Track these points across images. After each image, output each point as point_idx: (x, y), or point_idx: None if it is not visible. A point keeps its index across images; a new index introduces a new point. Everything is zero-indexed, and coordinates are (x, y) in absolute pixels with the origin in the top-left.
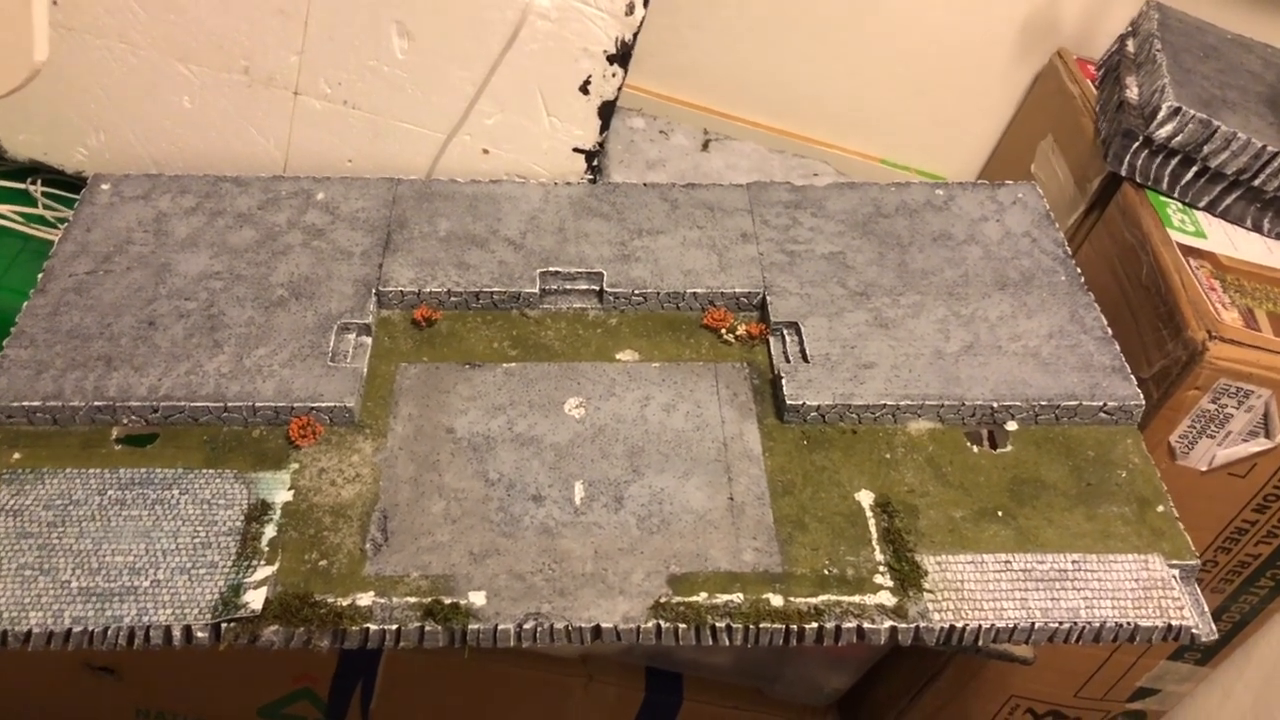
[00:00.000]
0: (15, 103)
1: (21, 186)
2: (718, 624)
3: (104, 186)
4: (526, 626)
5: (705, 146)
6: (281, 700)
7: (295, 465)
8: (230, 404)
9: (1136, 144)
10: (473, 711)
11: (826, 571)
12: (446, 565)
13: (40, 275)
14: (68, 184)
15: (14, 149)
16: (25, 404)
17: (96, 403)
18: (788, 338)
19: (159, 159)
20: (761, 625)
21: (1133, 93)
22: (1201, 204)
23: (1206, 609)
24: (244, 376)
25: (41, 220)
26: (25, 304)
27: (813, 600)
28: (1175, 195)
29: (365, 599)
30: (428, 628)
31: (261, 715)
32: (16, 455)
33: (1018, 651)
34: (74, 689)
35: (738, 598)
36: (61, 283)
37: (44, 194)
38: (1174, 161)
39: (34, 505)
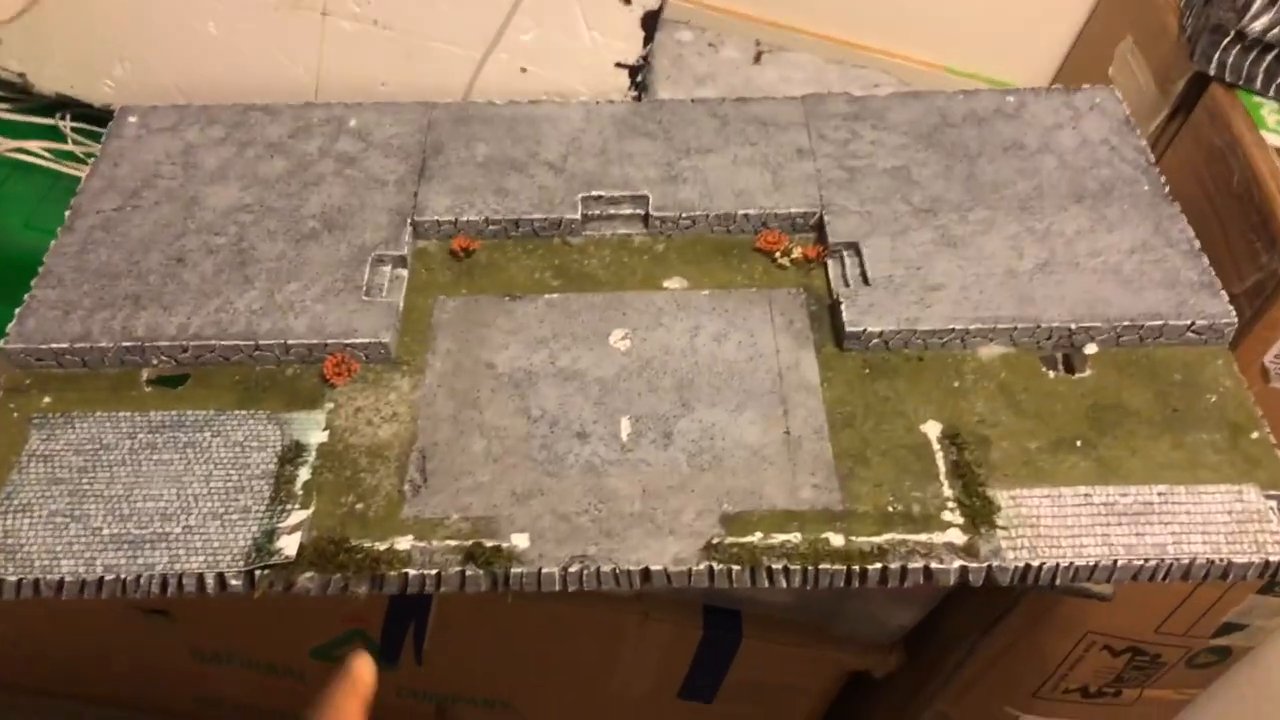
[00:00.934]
0: (39, 34)
1: (51, 122)
2: (774, 565)
3: (131, 119)
4: (572, 570)
5: (757, 59)
6: (334, 641)
7: (330, 405)
8: (262, 342)
9: (1228, 39)
10: (526, 650)
11: (891, 508)
12: (488, 506)
13: (67, 213)
14: (96, 118)
15: (40, 83)
16: (54, 346)
17: (125, 343)
18: (847, 260)
19: (186, 88)
20: (821, 566)
21: None
22: None
23: None
24: (276, 313)
25: (71, 156)
26: (52, 243)
27: (876, 539)
28: (1271, 95)
29: (404, 543)
30: (469, 572)
31: (314, 656)
32: (47, 399)
33: (1096, 588)
34: (128, 631)
35: (795, 537)
36: (89, 220)
37: (73, 129)
38: (1270, 57)
39: (64, 450)
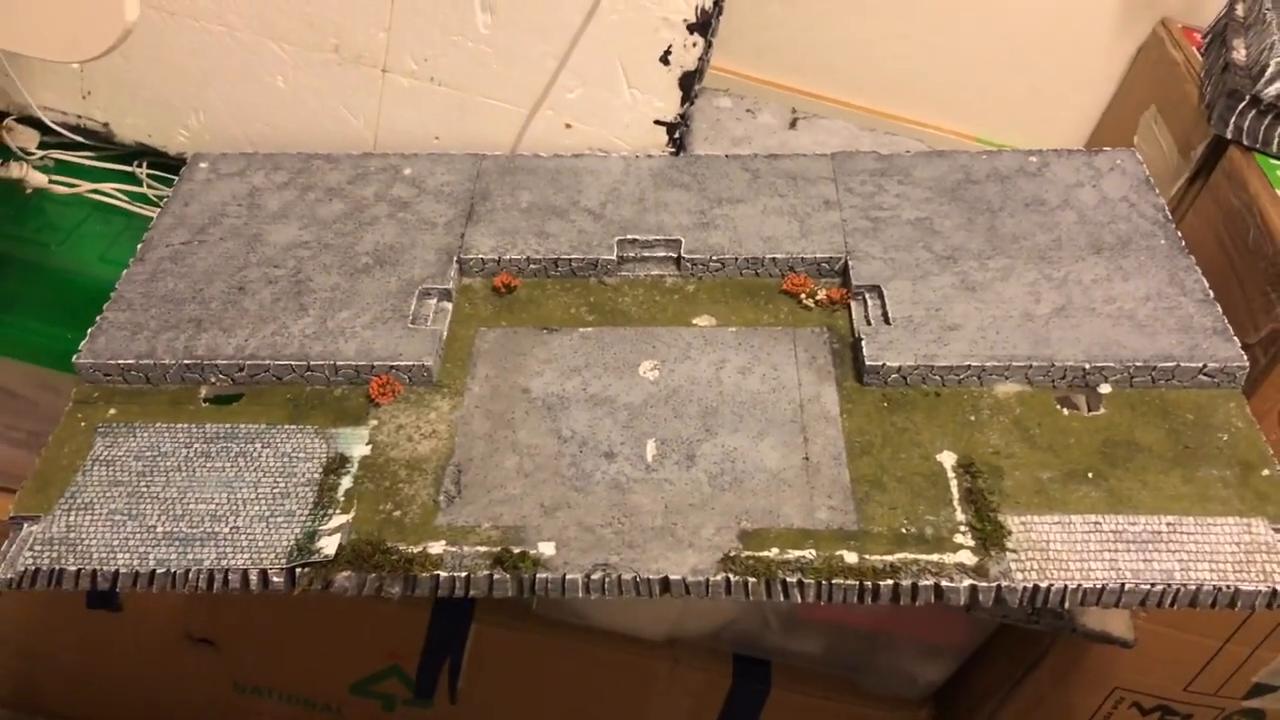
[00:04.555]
0: (122, 87)
1: (129, 169)
2: (789, 579)
3: (202, 165)
4: (594, 577)
5: (793, 125)
6: (372, 677)
7: (374, 422)
8: (313, 363)
9: (1243, 104)
10: (558, 692)
11: (904, 530)
12: (517, 517)
13: (140, 246)
14: (171, 166)
15: (122, 133)
16: (120, 362)
17: (186, 361)
18: (869, 301)
19: (255, 139)
20: (835, 581)
21: (1240, 54)
22: None
23: None
24: (327, 337)
25: (145, 199)
26: (124, 272)
27: (889, 558)
28: None
29: (436, 547)
30: (496, 576)
31: (353, 691)
32: (111, 411)
33: (1116, 631)
34: (174, 660)
35: (810, 554)
36: (159, 252)
37: (148, 175)
38: None
39: (125, 456)
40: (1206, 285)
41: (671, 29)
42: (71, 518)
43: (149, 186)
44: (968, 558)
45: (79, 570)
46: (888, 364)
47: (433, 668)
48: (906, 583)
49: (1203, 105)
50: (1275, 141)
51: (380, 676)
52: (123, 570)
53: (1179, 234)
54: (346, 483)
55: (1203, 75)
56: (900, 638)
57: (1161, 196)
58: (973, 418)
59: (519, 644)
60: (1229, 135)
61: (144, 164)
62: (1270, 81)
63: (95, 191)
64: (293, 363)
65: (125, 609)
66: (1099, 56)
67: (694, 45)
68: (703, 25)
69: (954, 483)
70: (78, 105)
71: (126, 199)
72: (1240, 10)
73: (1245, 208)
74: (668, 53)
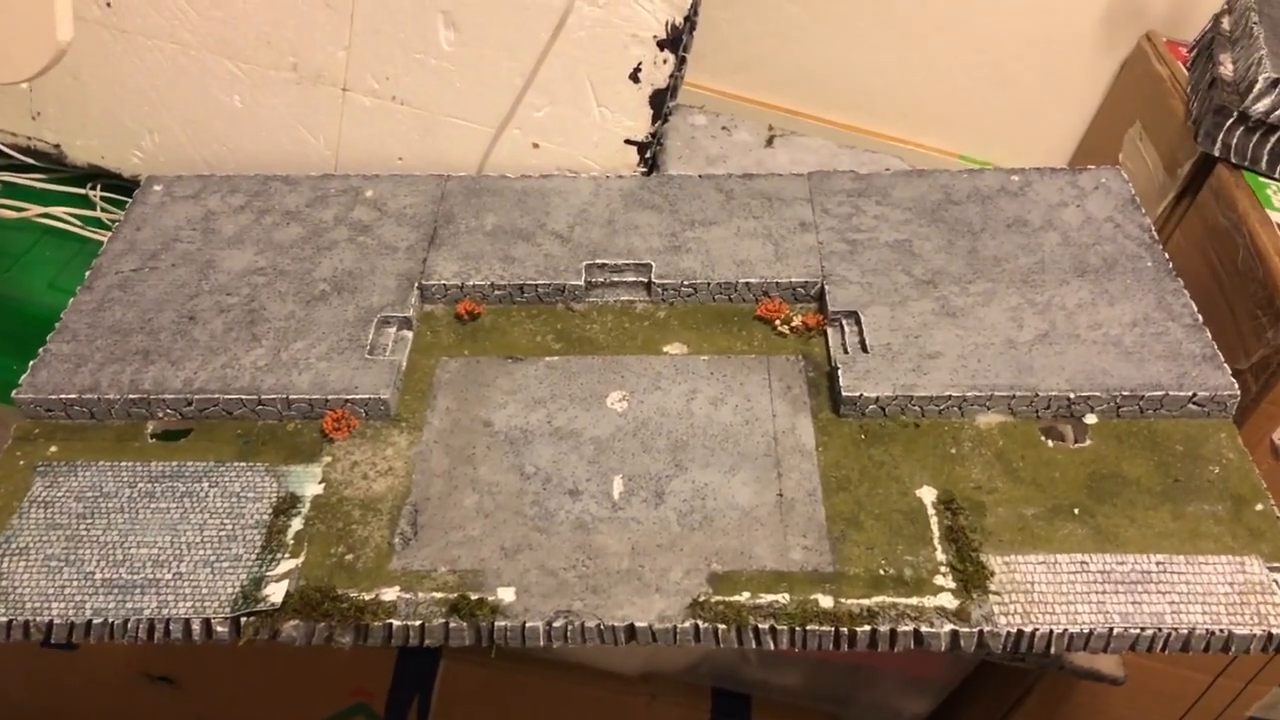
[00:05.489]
0: (73, 108)
1: (81, 192)
2: (761, 625)
3: (156, 188)
4: (556, 625)
5: (770, 143)
6: (338, 715)
7: (328, 459)
8: (264, 397)
9: (1231, 120)
10: None
11: (882, 572)
12: (476, 560)
13: (88, 273)
14: (125, 188)
15: (74, 154)
16: (63, 397)
17: (132, 395)
18: (846, 328)
19: (211, 160)
20: (809, 627)
21: (1227, 69)
22: None
23: None
24: (280, 369)
25: (98, 223)
26: (71, 300)
27: (865, 602)
28: (1276, 175)
29: (390, 594)
30: (453, 625)
31: None
32: (53, 448)
33: (1105, 669)
34: (133, 699)
35: (783, 598)
36: (108, 280)
37: (102, 199)
38: (1273, 138)
39: (65, 497)
40: (1195, 309)
41: (641, 46)
42: (4, 564)
43: (103, 210)
44: (948, 601)
45: (10, 621)
46: (865, 394)
47: (401, 706)
48: (884, 628)
49: (1189, 121)
50: (1264, 159)
51: (347, 715)
52: (57, 621)
53: (1166, 255)
54: (297, 524)
55: (1189, 91)
56: (883, 671)
57: (1148, 216)
58: (953, 450)
59: (490, 681)
60: (1216, 152)
61: (97, 186)
62: (1259, 97)
63: (46, 215)
64: (243, 396)
65: (80, 647)
66: (1082, 71)
67: (665, 62)
68: (674, 42)
69: (934, 520)
70: (27, 126)
71: (79, 223)
72: (1226, 24)
73: (1234, 227)
74: (638, 70)
